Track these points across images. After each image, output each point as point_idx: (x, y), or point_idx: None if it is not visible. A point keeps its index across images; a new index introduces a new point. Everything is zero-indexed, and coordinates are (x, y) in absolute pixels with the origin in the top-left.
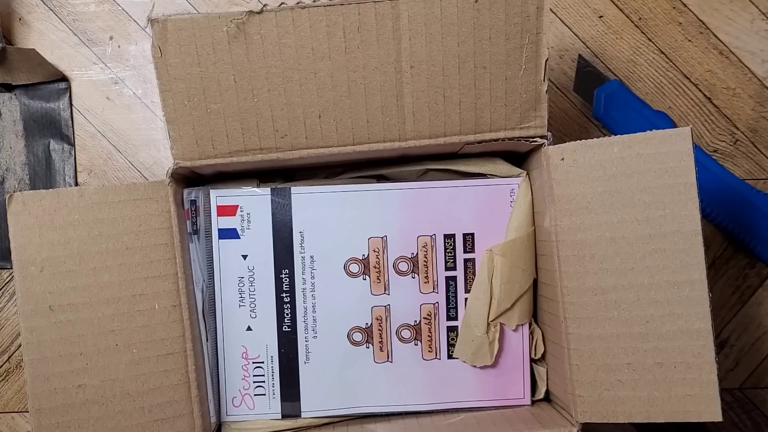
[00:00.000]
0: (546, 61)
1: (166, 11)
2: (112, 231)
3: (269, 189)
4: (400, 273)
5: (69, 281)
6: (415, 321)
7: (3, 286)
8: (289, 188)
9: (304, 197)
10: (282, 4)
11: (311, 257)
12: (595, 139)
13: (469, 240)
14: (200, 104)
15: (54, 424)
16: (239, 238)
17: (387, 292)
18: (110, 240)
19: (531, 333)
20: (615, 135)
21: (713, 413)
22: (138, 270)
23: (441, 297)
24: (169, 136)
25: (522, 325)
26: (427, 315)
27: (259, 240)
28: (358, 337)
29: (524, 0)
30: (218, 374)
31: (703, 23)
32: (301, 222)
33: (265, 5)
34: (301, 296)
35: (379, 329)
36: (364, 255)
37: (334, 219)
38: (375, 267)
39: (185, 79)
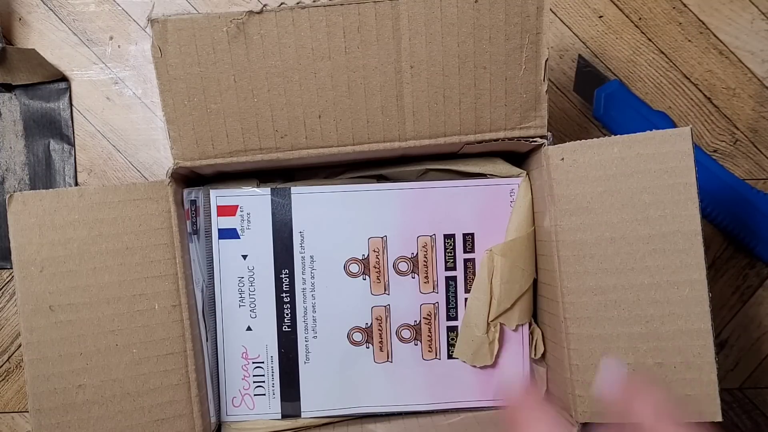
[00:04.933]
0: (546, 61)
1: (166, 11)
2: (112, 231)
3: (269, 189)
4: (400, 273)
5: (69, 281)
6: (415, 321)
7: (3, 286)
8: (289, 188)
9: (304, 197)
10: (282, 4)
11: (311, 257)
12: (595, 139)
13: (469, 240)
14: (200, 104)
15: (54, 424)
16: (239, 238)
17: (387, 292)
18: (110, 240)
19: (531, 333)
20: (615, 135)
21: (713, 413)
22: (138, 270)
23: (441, 297)
24: (169, 136)
25: (522, 325)
26: (427, 315)
27: (259, 240)
28: (358, 337)
29: (524, 0)
30: (218, 374)
31: (703, 23)
32: (301, 222)
33: (265, 5)
34: (301, 296)
35: (379, 329)
36: (364, 255)
37: (334, 219)
38: (375, 267)
39: (185, 79)
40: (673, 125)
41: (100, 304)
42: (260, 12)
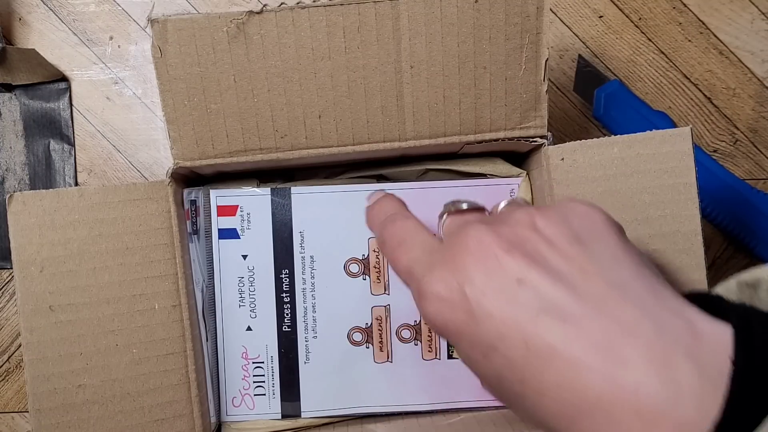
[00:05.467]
0: (546, 61)
1: (166, 11)
2: (112, 231)
3: (269, 189)
4: None
5: (69, 281)
6: (415, 321)
7: (3, 286)
8: (289, 188)
9: (304, 197)
10: (282, 4)
11: (311, 257)
12: (595, 139)
13: None
14: (200, 104)
15: (54, 424)
16: (239, 238)
17: (387, 292)
18: (110, 240)
19: None
20: (615, 135)
21: None
22: (138, 270)
23: None
24: (169, 136)
25: None
26: None
27: (259, 240)
28: (358, 337)
29: (524, 0)
30: (218, 374)
31: (703, 23)
32: (301, 222)
33: (265, 5)
34: (301, 296)
35: (379, 329)
36: (364, 255)
37: (334, 219)
38: (375, 267)
39: (185, 79)
40: (673, 125)
41: (100, 304)
42: (260, 12)
